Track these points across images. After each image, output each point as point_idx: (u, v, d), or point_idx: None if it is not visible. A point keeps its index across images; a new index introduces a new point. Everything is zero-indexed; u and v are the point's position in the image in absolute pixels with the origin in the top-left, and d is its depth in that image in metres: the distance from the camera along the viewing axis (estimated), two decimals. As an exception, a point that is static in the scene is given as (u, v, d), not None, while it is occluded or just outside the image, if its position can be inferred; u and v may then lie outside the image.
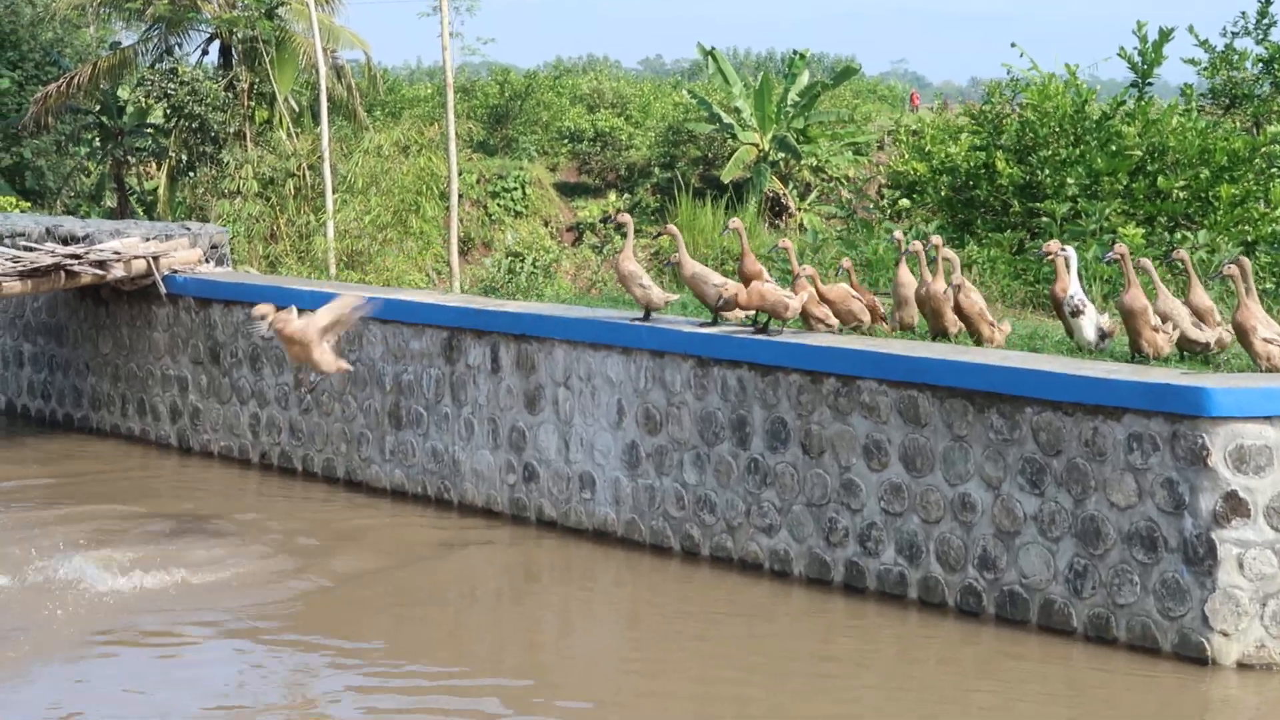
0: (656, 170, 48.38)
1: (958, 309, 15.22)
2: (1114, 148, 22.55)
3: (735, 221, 16.02)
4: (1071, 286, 14.84)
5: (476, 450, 17.67)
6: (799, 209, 45.20)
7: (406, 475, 18.39)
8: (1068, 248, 15.17)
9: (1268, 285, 19.42)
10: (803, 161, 46.56)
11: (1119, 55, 25.01)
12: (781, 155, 46.33)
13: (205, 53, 42.38)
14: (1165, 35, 24.70)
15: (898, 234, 17.18)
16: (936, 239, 15.58)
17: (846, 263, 16.13)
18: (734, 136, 46.65)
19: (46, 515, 17.41)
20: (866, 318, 15.48)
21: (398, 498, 18.38)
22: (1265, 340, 13.51)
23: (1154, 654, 12.92)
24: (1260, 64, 25.75)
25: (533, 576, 15.85)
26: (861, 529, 14.66)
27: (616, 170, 49.42)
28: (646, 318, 16.13)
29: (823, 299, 15.42)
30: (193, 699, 12.20)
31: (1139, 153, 22.58)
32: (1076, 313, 14.83)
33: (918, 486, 14.25)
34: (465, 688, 12.67)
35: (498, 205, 46.09)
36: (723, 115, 46.88)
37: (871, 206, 29.54)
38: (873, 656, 13.60)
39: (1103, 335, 14.80)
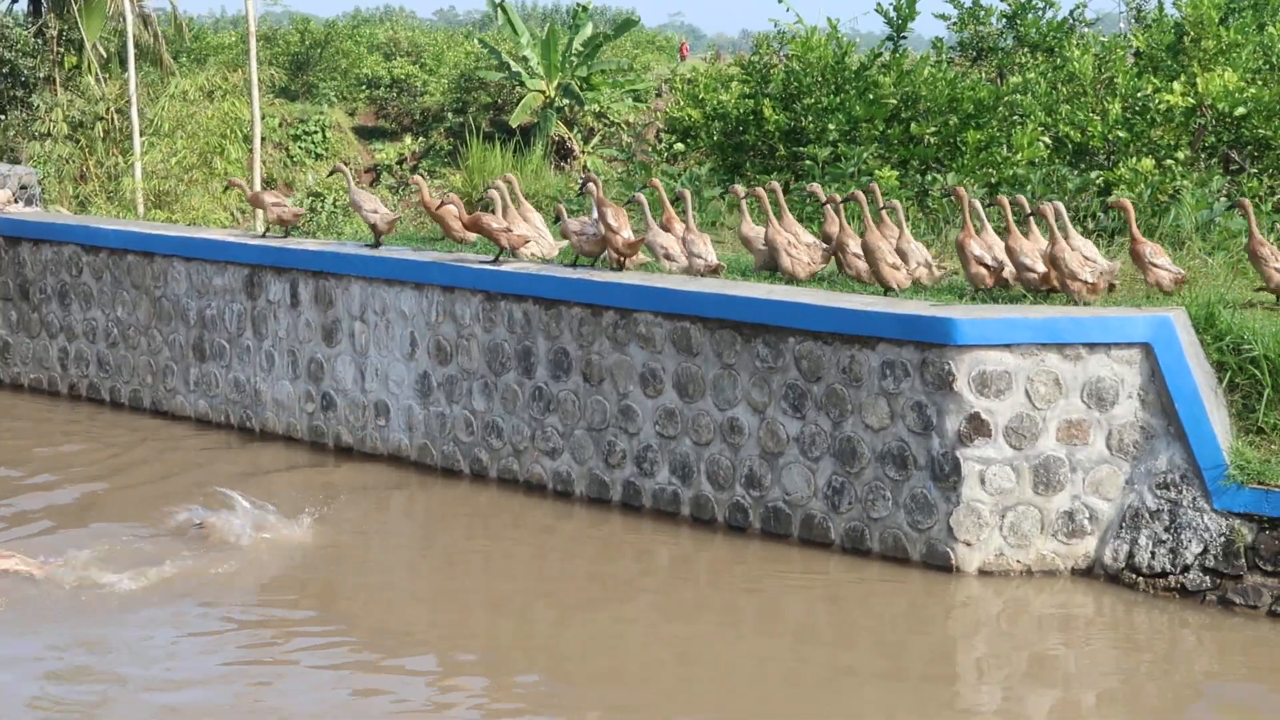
0: (449, 115, 47.82)
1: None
2: (871, 96, 22.69)
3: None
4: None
5: (277, 381, 17.37)
6: (583, 152, 45.02)
7: (210, 405, 18.04)
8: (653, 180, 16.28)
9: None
10: (586, 108, 46.36)
11: (876, 10, 25.09)
12: (566, 101, 46.09)
13: (14, 0, 41.04)
14: (918, -8, 24.85)
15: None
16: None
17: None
18: (522, 84, 46.29)
19: None
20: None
21: (202, 426, 18.02)
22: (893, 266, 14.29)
23: (904, 563, 13.13)
24: (1004, 19, 25.97)
25: (330, 500, 15.58)
26: (638, 451, 14.66)
27: (412, 115, 48.75)
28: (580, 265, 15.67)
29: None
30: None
31: (894, 101, 22.73)
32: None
33: (690, 411, 14.28)
34: (259, 603, 12.48)
35: (299, 148, 45.26)
36: (511, 64, 46.50)
37: (650, 150, 29.47)
38: (648, 570, 13.64)
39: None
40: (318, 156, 45.19)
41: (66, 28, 38.01)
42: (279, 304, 17.26)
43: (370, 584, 13.22)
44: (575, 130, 46.24)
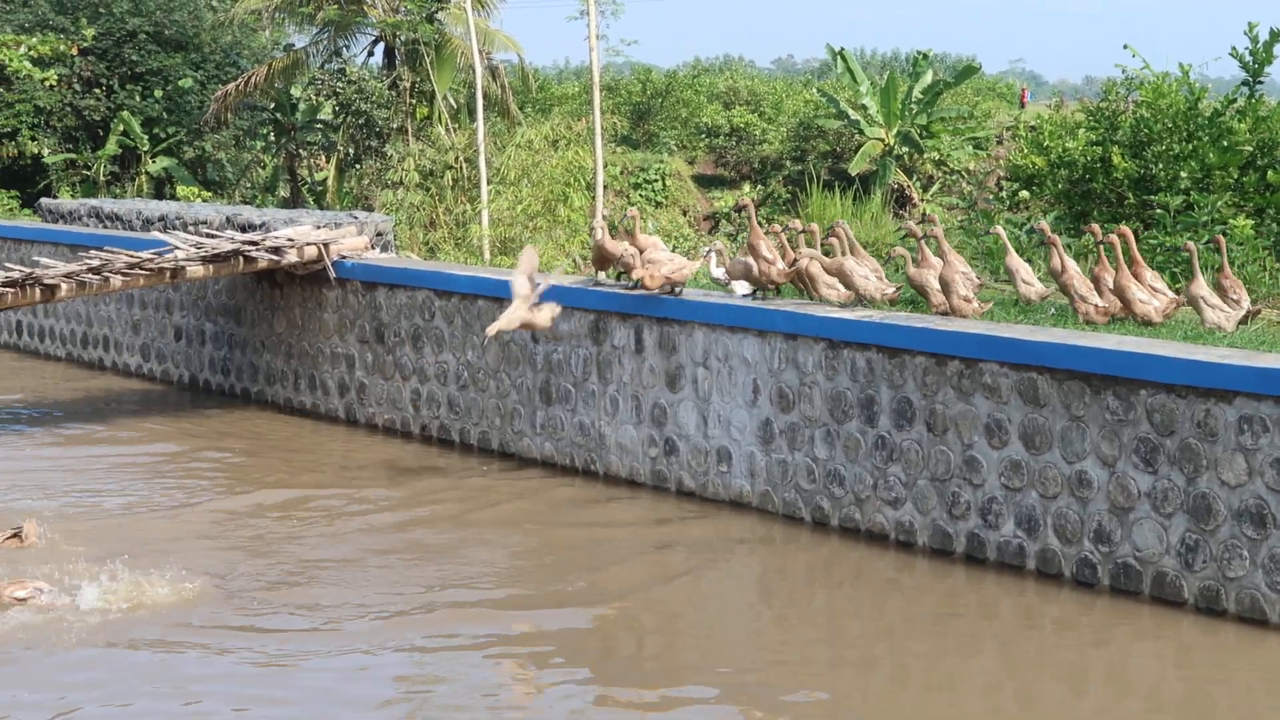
0: (788, 163, 48.22)
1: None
2: (1225, 143, 22.15)
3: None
4: (713, 265, 17.64)
5: (621, 425, 17.69)
6: (922, 200, 44.88)
7: (556, 448, 18.45)
8: (716, 242, 18.03)
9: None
10: (925, 155, 46.23)
11: (1230, 55, 24.47)
12: (905, 149, 46.03)
13: (370, 54, 42.75)
14: (1276, 36, 24.16)
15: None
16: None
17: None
18: (861, 132, 46.40)
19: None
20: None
21: (548, 468, 18.44)
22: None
23: (1263, 626, 12.72)
24: (1367, 62, 25.13)
25: (671, 543, 15.77)
26: (982, 503, 14.52)
27: (750, 163, 49.31)
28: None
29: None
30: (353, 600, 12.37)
31: (1249, 148, 22.16)
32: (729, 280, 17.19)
33: (1036, 464, 14.09)
34: (595, 641, 12.71)
35: (640, 196, 46.13)
36: (850, 112, 46.64)
37: (991, 198, 29.22)
38: (992, 623, 13.49)
39: (751, 293, 16.84)
40: (657, 204, 45.97)
41: (419, 80, 39.43)
42: (623, 349, 17.59)
43: (708, 628, 13.35)
44: (914, 178, 46.12)
